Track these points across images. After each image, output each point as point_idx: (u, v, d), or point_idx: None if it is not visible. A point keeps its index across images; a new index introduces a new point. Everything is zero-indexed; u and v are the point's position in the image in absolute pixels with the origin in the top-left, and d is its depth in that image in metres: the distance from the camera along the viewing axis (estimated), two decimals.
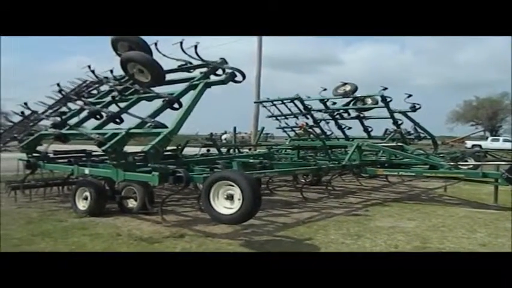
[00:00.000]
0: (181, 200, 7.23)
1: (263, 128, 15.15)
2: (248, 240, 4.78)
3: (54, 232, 4.99)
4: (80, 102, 6.98)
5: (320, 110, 12.92)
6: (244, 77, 5.71)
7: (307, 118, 12.47)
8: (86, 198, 6.00)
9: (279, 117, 12.89)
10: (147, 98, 6.21)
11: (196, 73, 6.21)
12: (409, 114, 11.91)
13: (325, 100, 12.79)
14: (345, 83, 12.67)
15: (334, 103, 12.84)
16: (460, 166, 8.01)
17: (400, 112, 11.82)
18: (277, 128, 13.20)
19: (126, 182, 5.87)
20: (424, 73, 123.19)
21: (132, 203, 6.11)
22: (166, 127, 5.20)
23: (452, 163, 7.86)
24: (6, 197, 7.13)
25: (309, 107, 12.51)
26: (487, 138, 40.47)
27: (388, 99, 11.44)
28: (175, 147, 9.09)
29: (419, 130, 12.79)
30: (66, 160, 7.31)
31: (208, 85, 5.75)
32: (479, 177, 7.13)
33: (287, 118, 12.85)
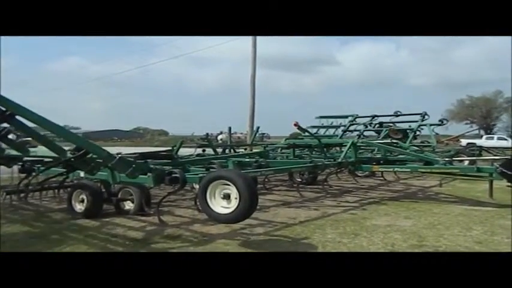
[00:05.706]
0: (177, 201, 7.21)
1: (258, 128, 15.14)
2: (245, 240, 4.77)
3: (50, 234, 4.96)
4: None
5: (361, 123, 15.05)
6: None
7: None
8: (82, 201, 5.96)
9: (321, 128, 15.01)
10: None
11: None
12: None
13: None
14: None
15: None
16: (454, 162, 8.04)
17: (430, 124, 13.20)
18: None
19: (123, 184, 5.84)
20: (420, 72, 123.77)
21: (128, 205, 6.08)
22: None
23: (447, 159, 7.90)
24: (1, 201, 7.05)
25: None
26: (481, 136, 40.66)
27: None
28: (170, 148, 9.08)
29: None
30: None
31: None
32: (474, 172, 7.15)
33: (327, 130, 14.92)
